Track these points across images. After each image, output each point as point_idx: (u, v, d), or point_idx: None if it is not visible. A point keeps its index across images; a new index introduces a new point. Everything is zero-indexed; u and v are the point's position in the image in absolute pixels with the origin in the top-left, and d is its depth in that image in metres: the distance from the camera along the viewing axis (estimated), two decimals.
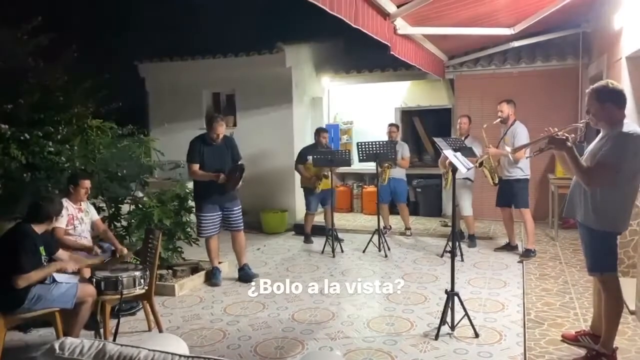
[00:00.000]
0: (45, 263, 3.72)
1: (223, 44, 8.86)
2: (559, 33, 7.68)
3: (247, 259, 5.82)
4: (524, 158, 5.83)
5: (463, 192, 6.68)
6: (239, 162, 5.53)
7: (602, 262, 3.32)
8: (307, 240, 7.39)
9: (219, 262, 5.73)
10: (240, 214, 5.66)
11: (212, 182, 5.31)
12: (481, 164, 6.18)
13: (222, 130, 5.42)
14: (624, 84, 4.89)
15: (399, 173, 7.43)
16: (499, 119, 6.15)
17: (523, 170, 6.04)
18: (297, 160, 7.29)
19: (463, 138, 6.61)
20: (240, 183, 5.43)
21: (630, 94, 4.69)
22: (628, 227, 3.49)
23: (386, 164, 7.13)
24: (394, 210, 7.84)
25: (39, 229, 3.74)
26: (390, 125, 7.57)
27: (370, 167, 7.53)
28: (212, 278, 5.55)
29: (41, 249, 3.71)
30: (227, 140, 5.58)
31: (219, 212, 5.54)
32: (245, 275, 5.62)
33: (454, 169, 4.20)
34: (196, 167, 5.40)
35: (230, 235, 5.75)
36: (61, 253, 4.03)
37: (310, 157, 7.05)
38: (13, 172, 4.87)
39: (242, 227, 5.72)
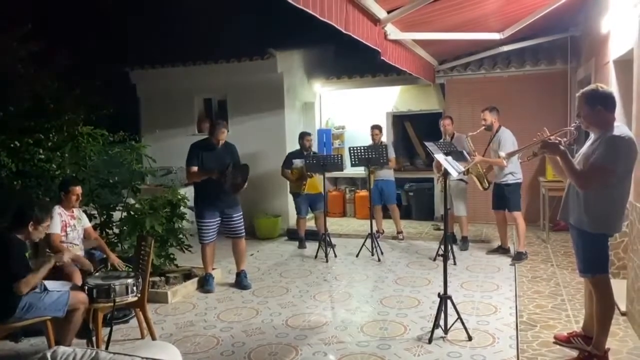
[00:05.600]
0: (31, 269, 3.69)
1: (214, 50, 8.87)
2: (548, 37, 7.77)
3: (245, 265, 5.79)
4: (512, 164, 5.90)
5: (459, 193, 6.74)
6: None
7: (594, 263, 3.35)
8: (301, 245, 7.39)
9: (212, 269, 5.71)
10: (241, 221, 5.63)
11: (211, 188, 5.32)
12: (468, 171, 6.25)
13: (223, 136, 5.46)
14: (612, 87, 4.95)
15: (386, 174, 7.44)
16: (483, 127, 6.24)
17: (514, 175, 6.11)
18: (284, 165, 7.32)
19: (449, 138, 6.68)
20: (245, 185, 5.44)
21: (618, 97, 4.74)
22: (621, 228, 3.52)
23: (369, 169, 7.12)
24: (387, 214, 7.85)
25: (21, 236, 3.68)
26: (373, 127, 7.53)
27: (362, 171, 7.55)
28: (205, 285, 5.52)
29: (27, 255, 3.69)
30: (227, 146, 5.59)
31: (219, 219, 5.54)
32: (239, 283, 5.61)
33: (446, 173, 4.23)
34: (193, 169, 5.42)
35: (225, 240, 5.72)
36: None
37: (296, 161, 7.09)
38: (3, 179, 4.84)
39: (243, 234, 5.69)
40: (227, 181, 5.27)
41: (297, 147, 7.44)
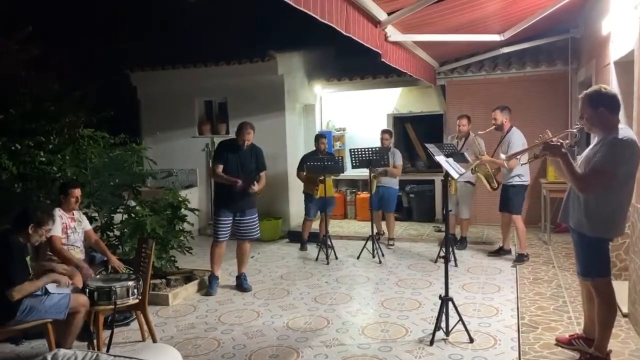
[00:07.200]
0: (31, 273, 3.69)
1: (215, 52, 8.88)
2: (548, 39, 7.77)
3: (246, 268, 5.79)
4: (517, 166, 5.88)
5: (464, 196, 6.71)
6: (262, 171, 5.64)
7: (594, 267, 3.33)
8: (303, 248, 7.38)
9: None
10: (251, 225, 5.61)
11: (228, 188, 5.37)
12: (474, 171, 6.23)
13: (250, 137, 5.48)
14: (613, 88, 4.94)
15: (388, 181, 7.28)
16: (493, 127, 6.19)
17: (520, 177, 6.05)
18: (298, 167, 7.35)
19: (463, 140, 6.64)
20: (254, 188, 5.47)
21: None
22: (623, 232, 3.48)
23: (373, 174, 7.02)
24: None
25: (23, 238, 3.68)
26: (383, 132, 7.48)
27: (363, 173, 7.55)
28: (208, 287, 5.51)
29: (27, 259, 3.68)
30: (253, 148, 5.61)
31: (232, 219, 5.56)
32: (240, 285, 5.61)
33: (446, 175, 4.22)
34: (219, 168, 5.45)
35: (226, 242, 5.73)
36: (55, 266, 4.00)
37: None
38: (4, 182, 4.84)
39: (251, 238, 5.69)
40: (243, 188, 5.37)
41: (301, 149, 7.45)
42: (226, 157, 5.47)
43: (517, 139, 5.99)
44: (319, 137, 7.35)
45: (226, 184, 5.40)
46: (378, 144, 7.36)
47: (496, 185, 6.27)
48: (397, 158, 7.28)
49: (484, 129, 6.29)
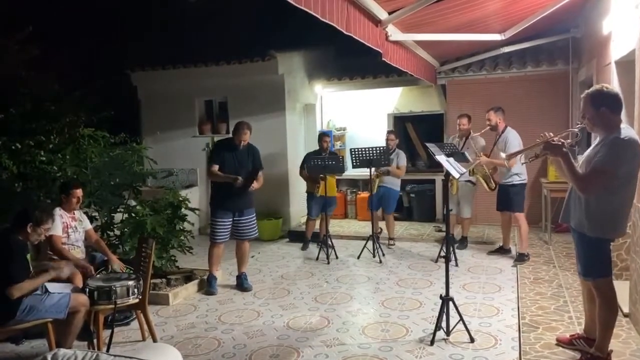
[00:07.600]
0: (31, 271, 3.68)
1: (215, 51, 8.88)
2: (549, 38, 7.77)
3: (246, 267, 5.79)
4: (517, 165, 5.88)
5: (465, 195, 6.70)
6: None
7: (595, 268, 3.32)
8: (305, 247, 7.37)
9: (216, 270, 5.70)
10: (250, 223, 5.60)
11: (226, 189, 5.35)
12: (472, 171, 6.23)
13: (246, 137, 5.47)
14: (614, 88, 4.94)
15: (390, 181, 7.23)
16: (488, 127, 6.21)
17: (519, 175, 6.07)
18: (300, 166, 7.37)
19: (464, 139, 6.63)
20: (254, 186, 5.46)
21: None
22: (625, 232, 3.46)
23: (375, 173, 6.99)
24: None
25: (22, 237, 3.67)
26: (389, 132, 7.48)
27: (364, 173, 7.56)
28: (208, 286, 5.51)
29: (28, 256, 3.68)
30: (249, 148, 5.60)
31: (231, 219, 5.54)
32: (240, 285, 5.61)
33: (447, 174, 4.22)
34: (215, 167, 5.45)
35: (227, 242, 5.72)
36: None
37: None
38: (4, 182, 4.84)
39: (250, 237, 5.69)
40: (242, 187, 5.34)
41: (302, 149, 7.44)
42: (223, 157, 5.47)
43: (514, 138, 6.04)
44: (322, 136, 7.34)
45: (224, 182, 5.37)
46: (378, 144, 7.34)
47: (494, 186, 6.29)
48: (401, 159, 7.23)
49: (484, 129, 6.30)
